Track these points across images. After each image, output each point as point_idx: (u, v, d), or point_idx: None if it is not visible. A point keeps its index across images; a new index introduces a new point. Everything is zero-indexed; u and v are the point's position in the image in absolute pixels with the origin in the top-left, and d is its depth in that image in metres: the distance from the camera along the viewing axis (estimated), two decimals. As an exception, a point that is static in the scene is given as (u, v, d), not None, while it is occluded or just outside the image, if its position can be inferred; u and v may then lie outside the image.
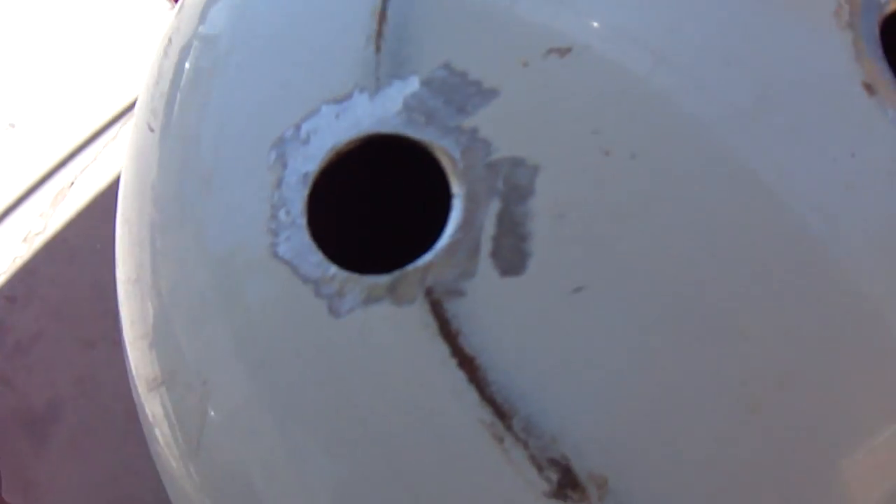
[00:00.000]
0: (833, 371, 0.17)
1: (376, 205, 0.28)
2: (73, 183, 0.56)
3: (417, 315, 0.17)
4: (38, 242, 0.58)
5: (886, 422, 0.18)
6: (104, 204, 0.56)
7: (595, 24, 0.18)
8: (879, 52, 0.19)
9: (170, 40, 0.23)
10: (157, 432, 0.21)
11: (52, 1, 0.75)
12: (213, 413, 0.19)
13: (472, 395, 0.17)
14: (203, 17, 0.23)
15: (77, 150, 0.59)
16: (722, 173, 0.17)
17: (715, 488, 0.17)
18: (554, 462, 0.17)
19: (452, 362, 0.17)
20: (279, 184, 0.19)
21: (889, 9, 0.20)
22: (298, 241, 0.18)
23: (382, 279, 0.18)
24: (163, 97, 0.22)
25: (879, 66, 0.19)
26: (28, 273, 0.56)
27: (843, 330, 0.17)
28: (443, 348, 0.17)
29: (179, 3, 0.25)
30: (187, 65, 0.23)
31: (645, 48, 0.18)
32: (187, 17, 0.24)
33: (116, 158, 0.60)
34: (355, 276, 0.18)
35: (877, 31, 0.19)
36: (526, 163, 0.17)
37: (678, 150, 0.17)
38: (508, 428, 0.17)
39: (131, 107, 0.65)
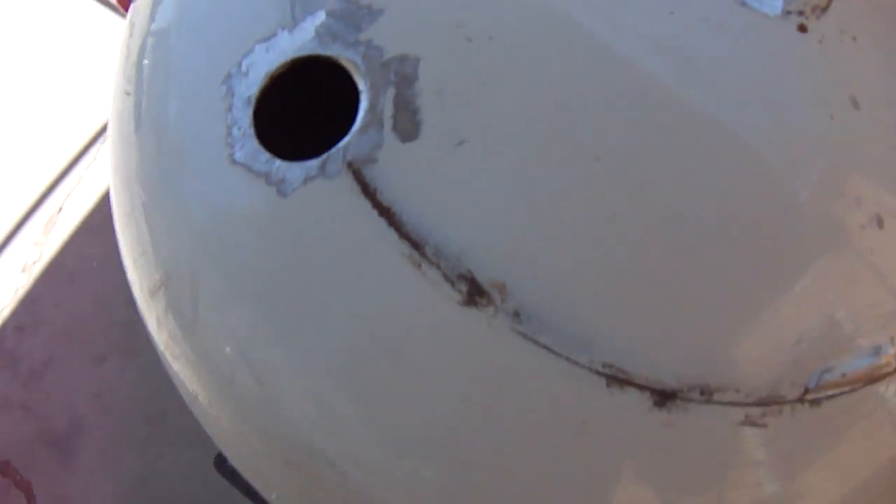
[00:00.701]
0: (672, 179, 0.22)
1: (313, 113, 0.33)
2: (61, 209, 0.61)
3: (344, 183, 0.22)
4: (36, 270, 0.62)
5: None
6: (94, 223, 0.60)
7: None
8: None
9: (130, 32, 0.28)
10: (163, 327, 0.26)
11: (11, 32, 0.79)
12: (202, 295, 0.24)
13: (392, 235, 0.22)
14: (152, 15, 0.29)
15: (60, 176, 0.63)
16: (561, 39, 0.22)
17: (585, 282, 0.22)
18: (462, 276, 0.22)
19: (374, 213, 0.22)
20: (230, 108, 0.24)
21: None
22: (250, 147, 0.24)
23: (314, 162, 0.23)
24: (133, 67, 0.27)
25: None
26: (31, 301, 0.61)
27: (675, 145, 0.22)
28: (366, 204, 0.22)
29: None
30: (145, 59, 0.28)
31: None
32: (140, 15, 0.29)
33: (99, 178, 0.64)
34: (295, 164, 0.23)
35: None
36: (409, 57, 0.23)
37: (523, 28, 0.22)
38: (423, 255, 0.22)
39: (102, 132, 0.70)
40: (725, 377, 0.23)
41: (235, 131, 0.24)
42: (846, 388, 0.24)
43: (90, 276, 0.58)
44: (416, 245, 0.22)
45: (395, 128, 0.22)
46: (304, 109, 0.29)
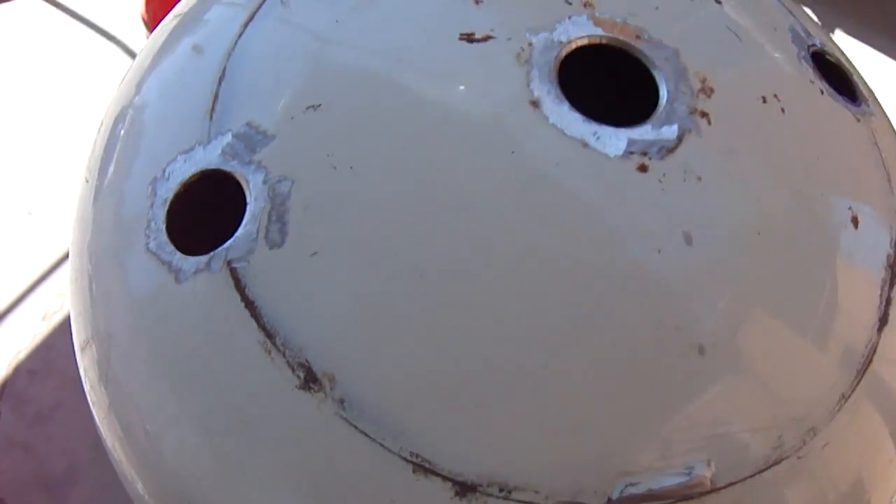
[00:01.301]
0: (490, 299, 0.26)
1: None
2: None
3: (222, 277, 0.27)
4: (55, 320, 0.68)
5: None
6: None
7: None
8: (549, 76, 0.28)
9: (101, 122, 0.35)
10: (87, 377, 0.31)
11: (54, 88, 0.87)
12: (113, 354, 0.29)
13: (252, 324, 0.27)
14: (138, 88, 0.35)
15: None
16: (408, 175, 0.27)
17: (401, 379, 0.25)
18: (301, 364, 0.26)
19: (241, 305, 0.27)
20: (152, 206, 0.30)
21: (567, 50, 0.29)
22: (160, 240, 0.29)
23: (204, 258, 0.28)
24: (96, 158, 0.33)
25: (545, 88, 0.28)
26: (47, 348, 0.67)
27: (497, 271, 0.26)
28: (235, 296, 0.27)
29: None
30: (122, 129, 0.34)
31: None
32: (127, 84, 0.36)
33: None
34: (189, 258, 0.28)
35: (553, 63, 0.28)
36: (286, 178, 0.27)
37: (380, 162, 0.27)
38: (274, 344, 0.26)
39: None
40: (526, 477, 0.25)
41: (153, 225, 0.29)
42: (652, 504, 0.26)
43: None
44: (269, 335, 0.26)
45: (266, 236, 0.27)
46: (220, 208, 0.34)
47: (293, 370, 0.26)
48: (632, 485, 0.26)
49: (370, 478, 0.25)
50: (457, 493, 0.25)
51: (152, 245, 0.29)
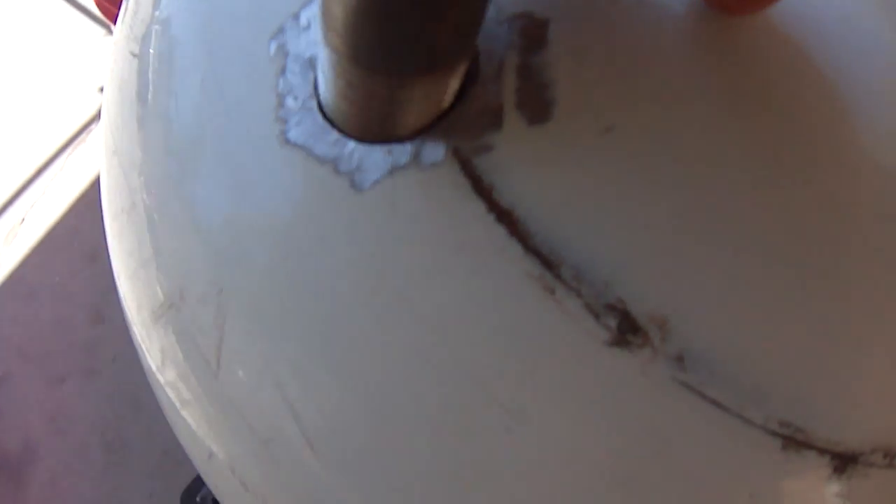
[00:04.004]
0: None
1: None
2: (23, 220, 0.54)
3: (447, 176, 0.16)
4: None
5: None
6: (58, 236, 0.53)
7: None
8: None
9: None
10: (169, 362, 0.19)
11: None
12: (232, 324, 0.18)
13: (515, 248, 0.16)
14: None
15: (24, 186, 0.56)
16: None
17: (765, 326, 0.16)
18: (611, 307, 0.16)
19: (490, 218, 0.16)
20: (283, 71, 0.18)
21: None
22: (311, 123, 0.17)
23: (406, 146, 0.17)
24: (143, 23, 0.21)
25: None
26: None
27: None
28: (478, 205, 0.16)
29: None
30: (158, 9, 0.22)
31: None
32: None
33: (65, 191, 0.57)
34: (376, 147, 0.17)
35: None
36: (535, 15, 0.17)
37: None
38: (558, 277, 0.16)
39: (74, 138, 0.63)
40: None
41: (290, 102, 0.18)
42: None
43: (52, 292, 0.51)
44: (548, 263, 0.16)
45: (519, 105, 0.17)
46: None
47: (597, 316, 0.16)
48: None
49: (725, 464, 0.16)
50: (835, 469, 0.17)
51: (295, 133, 0.18)
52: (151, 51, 0.22)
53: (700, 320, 0.16)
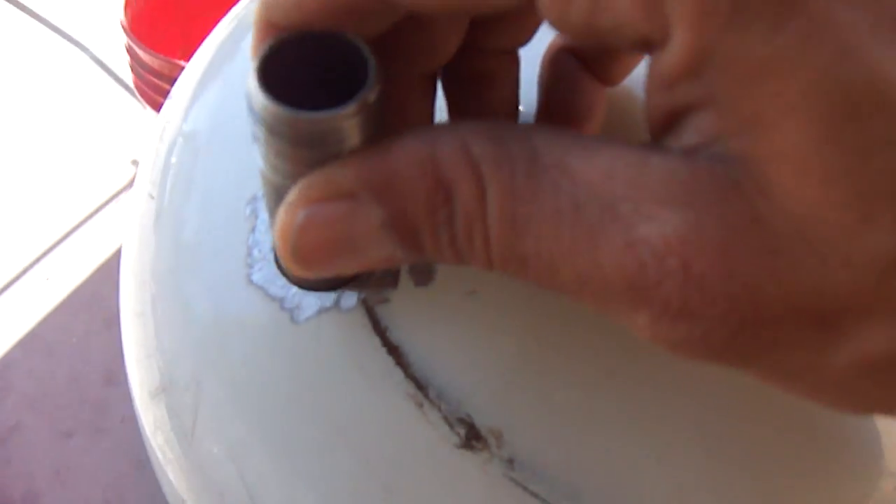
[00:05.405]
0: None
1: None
2: (48, 278, 0.61)
3: (357, 318, 0.23)
4: (12, 337, 0.60)
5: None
6: (81, 298, 0.60)
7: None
8: None
9: (163, 128, 0.30)
10: (159, 431, 0.26)
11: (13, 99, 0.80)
12: (203, 407, 0.24)
13: (398, 374, 0.23)
14: (185, 116, 0.30)
15: (53, 246, 0.63)
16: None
17: (574, 431, 0.23)
18: (461, 420, 0.22)
19: (383, 350, 0.23)
20: (253, 230, 0.25)
21: None
22: (268, 271, 0.25)
23: (331, 294, 0.24)
24: (159, 171, 0.28)
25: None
26: (5, 366, 0.59)
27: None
28: (376, 341, 0.23)
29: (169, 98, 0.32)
30: (173, 157, 0.30)
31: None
32: (174, 113, 0.31)
33: (92, 254, 0.64)
34: (311, 294, 0.24)
35: None
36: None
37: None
38: (426, 396, 0.23)
39: (100, 209, 0.71)
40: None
41: (256, 253, 0.25)
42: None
43: (69, 350, 0.57)
44: (420, 386, 0.23)
45: (410, 271, 0.24)
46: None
47: (451, 426, 0.22)
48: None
49: (544, 549, 0.22)
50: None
51: (257, 277, 0.25)
52: (173, 159, 0.29)
53: (526, 433, 0.22)
